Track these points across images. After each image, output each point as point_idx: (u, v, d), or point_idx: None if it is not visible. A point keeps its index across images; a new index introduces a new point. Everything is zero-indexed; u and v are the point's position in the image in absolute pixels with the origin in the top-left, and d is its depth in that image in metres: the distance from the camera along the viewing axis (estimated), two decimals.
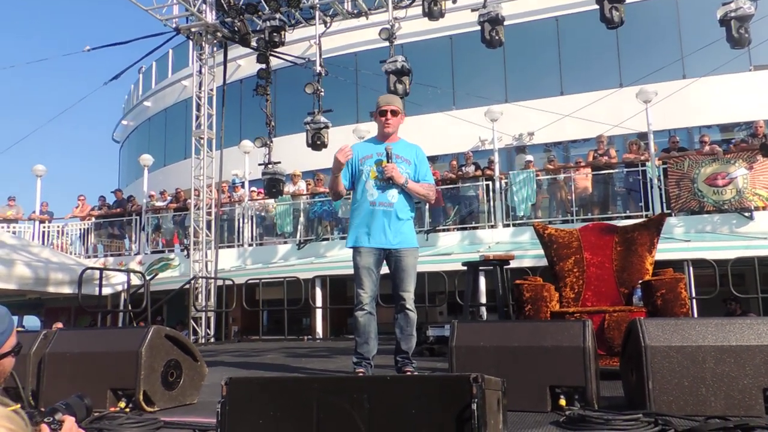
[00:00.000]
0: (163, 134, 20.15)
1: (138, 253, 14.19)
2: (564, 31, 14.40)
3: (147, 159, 15.12)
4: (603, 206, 11.64)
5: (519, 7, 13.26)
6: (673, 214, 10.45)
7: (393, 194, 3.93)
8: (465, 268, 5.18)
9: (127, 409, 2.93)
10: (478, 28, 9.75)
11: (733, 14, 8.20)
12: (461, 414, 1.76)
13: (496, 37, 9.70)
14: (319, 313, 11.42)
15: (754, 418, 2.41)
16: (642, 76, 12.30)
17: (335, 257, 12.22)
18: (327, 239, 12.98)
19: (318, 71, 11.04)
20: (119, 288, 10.47)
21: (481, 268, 5.20)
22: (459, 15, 11.58)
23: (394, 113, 4.05)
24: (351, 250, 3.99)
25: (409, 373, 3.92)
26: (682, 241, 9.68)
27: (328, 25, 12.06)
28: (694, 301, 9.17)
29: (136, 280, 10.03)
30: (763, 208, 9.97)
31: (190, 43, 12.09)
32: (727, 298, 9.43)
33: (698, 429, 2.19)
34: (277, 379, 2.11)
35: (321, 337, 10.84)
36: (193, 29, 11.27)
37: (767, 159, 9.90)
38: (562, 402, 2.76)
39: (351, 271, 11.13)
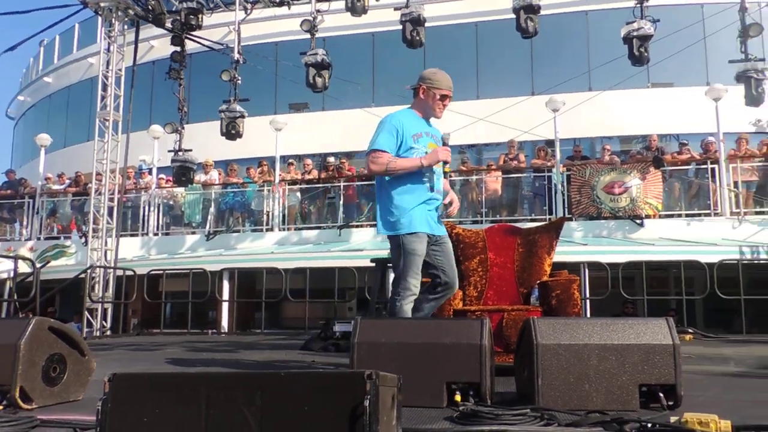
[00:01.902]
0: (65, 113, 18.92)
1: (29, 239, 13.24)
2: (482, 36, 14.81)
3: (45, 139, 14.15)
4: (511, 208, 12.09)
5: (441, 10, 13.52)
6: (573, 219, 11.01)
7: (442, 182, 3.78)
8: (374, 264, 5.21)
9: (1, 407, 2.71)
10: (400, 27, 9.86)
11: (635, 33, 8.74)
12: (354, 410, 1.76)
13: (417, 38, 9.85)
14: (225, 306, 11.13)
15: (629, 411, 2.58)
16: (552, 85, 12.87)
17: (246, 249, 11.97)
18: (238, 231, 12.68)
19: (236, 58, 10.76)
20: (4, 276, 9.73)
21: (389, 265, 5.24)
22: (382, 13, 11.62)
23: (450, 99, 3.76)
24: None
25: None
26: (580, 245, 10.23)
27: (249, 11, 11.78)
28: (588, 301, 9.73)
29: (26, 268, 9.36)
30: (653, 216, 10.70)
31: (99, 18, 11.40)
32: (626, 301, 10.07)
33: (579, 423, 2.31)
34: (164, 375, 2.02)
35: (226, 331, 10.57)
36: (102, 4, 10.64)
37: (658, 171, 10.66)
38: (458, 398, 2.83)
39: (261, 264, 10.89)
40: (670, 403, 2.67)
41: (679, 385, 2.68)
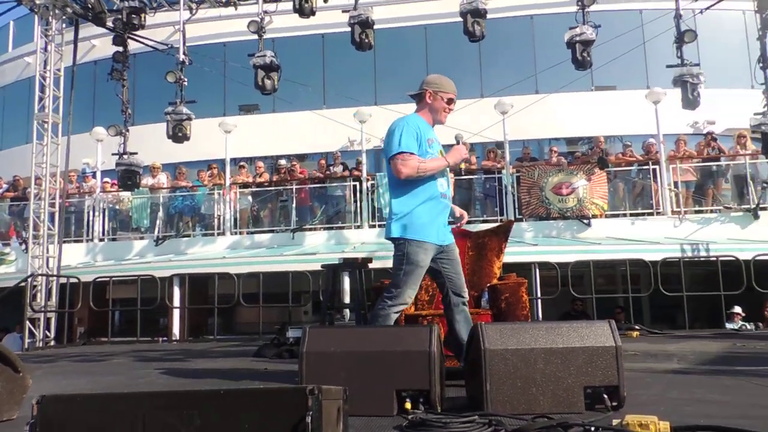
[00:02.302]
0: (0, 115, 18.09)
1: None
2: (432, 39, 14.93)
3: None
4: (463, 210, 12.20)
5: (390, 13, 13.56)
6: (523, 220, 11.21)
7: (451, 188, 3.73)
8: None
9: None
10: (350, 29, 9.82)
11: (577, 38, 8.96)
12: (296, 427, 1.73)
13: (366, 40, 9.83)
14: (176, 313, 10.85)
15: (575, 414, 2.62)
16: (500, 88, 13.08)
17: (197, 254, 11.71)
18: (188, 235, 12.39)
19: (181, 59, 10.50)
20: None
21: (340, 269, 5.21)
22: (331, 14, 11.55)
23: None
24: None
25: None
26: (531, 245, 10.43)
27: (194, 11, 11.51)
28: (539, 300, 9.93)
29: None
30: (600, 216, 11.00)
31: (36, 16, 10.95)
32: (575, 299, 10.31)
33: (525, 428, 2.33)
34: (97, 397, 1.93)
35: (178, 338, 10.31)
36: (38, 1, 10.22)
37: (603, 172, 10.97)
38: (408, 406, 2.81)
39: (213, 269, 10.65)
40: (614, 403, 2.73)
41: (622, 386, 2.74)
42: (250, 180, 12.84)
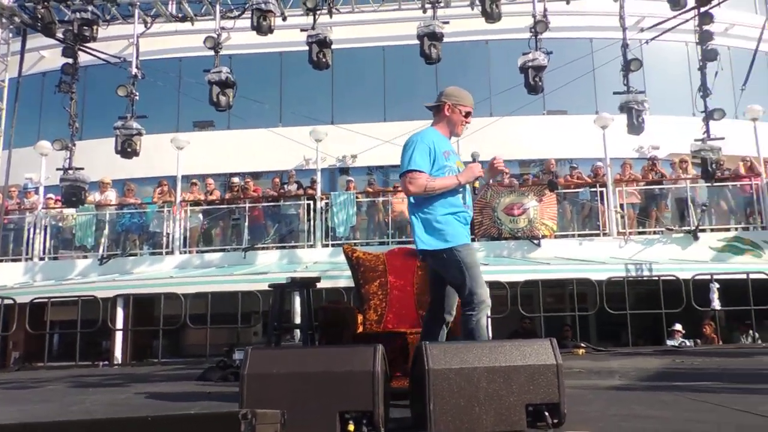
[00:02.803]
0: None
1: None
2: (389, 60, 15.09)
3: None
4: None
5: (348, 33, 13.63)
6: (476, 240, 11.34)
7: (471, 196, 3.69)
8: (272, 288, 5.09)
9: None
10: (307, 48, 9.85)
11: (530, 64, 9.22)
12: None
13: (324, 59, 9.87)
14: (119, 335, 10.46)
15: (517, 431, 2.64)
16: None
17: (143, 274, 11.38)
18: (135, 254, 12.04)
19: (134, 73, 10.32)
20: None
21: (288, 290, 5.14)
22: (289, 33, 11.55)
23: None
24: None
25: None
26: (482, 265, 10.51)
27: (149, 25, 11.36)
28: (489, 319, 9.99)
29: None
30: (549, 237, 11.23)
31: None
32: (523, 317, 10.44)
33: None
34: (15, 427, 1.83)
35: (120, 362, 9.93)
36: None
37: (553, 193, 11.23)
38: (351, 427, 2.77)
39: (159, 290, 10.35)
40: (555, 421, 2.75)
41: (563, 403, 2.77)
42: (202, 197, 12.62)
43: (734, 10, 14.20)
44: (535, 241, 11.14)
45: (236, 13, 10.74)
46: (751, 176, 11.25)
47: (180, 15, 11.18)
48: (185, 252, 11.98)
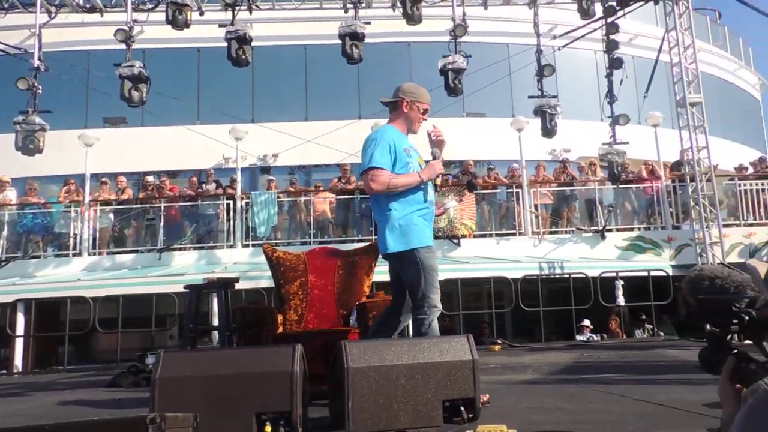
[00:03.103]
0: None
1: None
2: (311, 59, 14.97)
3: None
4: (340, 230, 12.27)
5: (269, 30, 13.41)
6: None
7: (434, 193, 3.66)
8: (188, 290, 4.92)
9: None
10: (226, 44, 9.61)
11: (450, 66, 9.42)
12: None
13: (243, 56, 9.67)
14: (19, 342, 9.76)
15: (433, 428, 2.68)
16: (378, 110, 13.32)
17: (47, 277, 10.71)
18: (38, 256, 11.30)
19: (36, 65, 9.69)
20: None
21: (204, 290, 4.99)
22: (207, 28, 11.25)
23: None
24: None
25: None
26: None
27: (53, 15, 10.72)
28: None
29: None
30: (468, 236, 11.51)
31: None
32: (443, 315, 10.61)
33: None
34: None
35: (20, 371, 9.28)
36: None
37: (472, 194, 11.52)
38: (268, 429, 2.73)
39: (65, 293, 9.76)
40: (471, 415, 2.82)
41: (478, 398, 2.85)
42: (113, 197, 12.01)
43: (638, 22, 15.12)
44: (455, 241, 11.38)
45: (150, 5, 10.31)
46: (653, 179, 12.01)
47: (88, 6, 10.60)
48: (94, 253, 11.37)
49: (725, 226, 11.07)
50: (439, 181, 3.61)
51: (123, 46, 9.48)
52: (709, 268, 1.08)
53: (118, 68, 9.22)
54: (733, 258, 11.12)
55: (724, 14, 21.17)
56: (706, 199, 10.55)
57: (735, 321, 1.55)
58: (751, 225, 11.69)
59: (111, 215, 11.73)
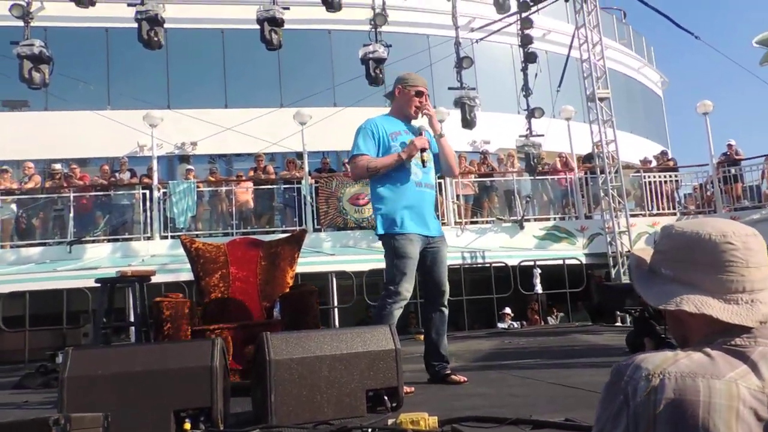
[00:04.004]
0: None
1: None
2: (229, 44, 14.54)
3: None
4: (262, 220, 12.04)
5: (184, 12, 12.91)
6: (322, 230, 11.39)
7: (433, 176, 3.64)
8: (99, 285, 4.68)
9: None
10: (137, 25, 9.13)
11: (370, 56, 9.41)
12: None
13: (156, 39, 9.22)
14: None
15: (357, 417, 2.68)
16: (299, 99, 13.19)
17: None
18: None
19: None
20: None
21: (118, 284, 4.76)
22: (116, 7, 10.67)
23: (427, 97, 3.69)
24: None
25: (461, 381, 3.44)
26: (329, 255, 10.62)
27: None
28: (336, 309, 10.16)
29: None
30: None
31: None
32: (369, 306, 10.68)
33: None
34: None
35: None
36: None
37: None
38: (187, 426, 2.64)
39: None
40: (394, 404, 2.85)
41: (401, 387, 2.88)
42: (15, 186, 11.22)
43: (551, 18, 15.71)
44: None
45: None
46: (566, 171, 12.56)
47: None
48: None
49: (632, 215, 11.75)
50: (426, 156, 3.58)
51: (21, 23, 8.82)
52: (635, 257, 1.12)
53: (16, 47, 8.57)
54: (641, 245, 11.85)
55: (629, 14, 22.39)
56: (614, 191, 11.13)
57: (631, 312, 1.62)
58: (656, 215, 12.48)
59: (13, 206, 10.96)
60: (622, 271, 10.78)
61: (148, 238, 11.03)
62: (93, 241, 11.00)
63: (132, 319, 8.32)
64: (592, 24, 11.41)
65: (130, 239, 11.12)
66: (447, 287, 3.66)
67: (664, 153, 14.51)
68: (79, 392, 2.65)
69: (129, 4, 9.01)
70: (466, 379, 3.57)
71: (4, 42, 9.72)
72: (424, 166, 3.58)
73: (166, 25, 9.32)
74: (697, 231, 0.98)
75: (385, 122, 3.68)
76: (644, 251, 1.07)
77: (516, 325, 10.51)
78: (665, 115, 22.45)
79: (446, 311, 3.68)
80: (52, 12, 11.49)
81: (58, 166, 11.78)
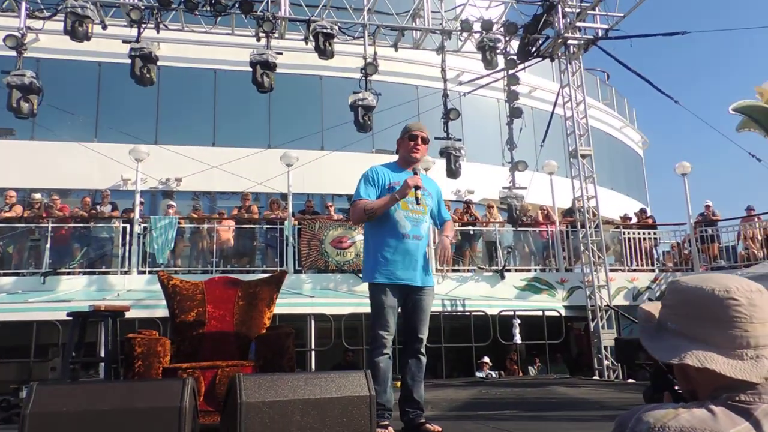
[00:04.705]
0: None
1: None
2: (221, 84, 14.72)
3: None
4: (243, 259, 11.95)
5: (177, 51, 13.10)
6: (303, 271, 11.32)
7: (424, 228, 3.68)
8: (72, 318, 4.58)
9: None
10: (130, 61, 9.25)
11: (360, 103, 9.58)
12: None
13: (148, 75, 9.35)
14: None
15: None
16: (287, 141, 13.31)
17: None
18: None
19: None
20: None
21: (90, 319, 4.66)
22: (110, 43, 10.80)
23: (425, 141, 3.80)
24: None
25: (435, 430, 3.46)
26: (308, 297, 10.53)
27: None
28: (313, 352, 10.01)
29: None
30: None
31: None
32: (346, 350, 10.56)
33: None
34: None
35: None
36: None
37: None
38: None
39: None
40: None
41: None
42: None
43: (536, 77, 16.18)
44: (361, 275, 11.38)
45: (47, 13, 9.75)
46: (548, 223, 12.70)
47: None
48: None
49: (611, 270, 11.86)
50: (419, 194, 3.63)
51: (13, 52, 8.89)
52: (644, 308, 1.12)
53: (7, 76, 8.62)
54: (619, 300, 11.92)
55: (612, 77, 23.13)
56: (594, 245, 11.26)
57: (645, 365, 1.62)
58: (634, 270, 12.61)
59: None
60: (600, 324, 10.79)
61: (126, 273, 10.87)
62: (68, 273, 10.80)
63: (102, 354, 8.15)
64: (576, 84, 11.76)
65: (107, 273, 10.94)
66: (424, 335, 3.67)
67: (643, 211, 14.77)
68: (42, 430, 2.56)
69: (124, 41, 9.13)
70: (440, 429, 3.53)
71: None
72: (417, 204, 3.63)
73: (159, 63, 9.45)
74: (702, 286, 0.98)
75: (386, 170, 3.78)
76: (653, 306, 1.08)
77: (494, 375, 10.41)
78: (645, 174, 22.97)
79: (423, 358, 3.69)
80: (47, 44, 11.60)
81: (38, 196, 11.67)
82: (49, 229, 10.84)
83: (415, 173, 3.70)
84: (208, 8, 9.59)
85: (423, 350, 3.69)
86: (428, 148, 3.91)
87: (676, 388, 1.11)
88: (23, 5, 9.34)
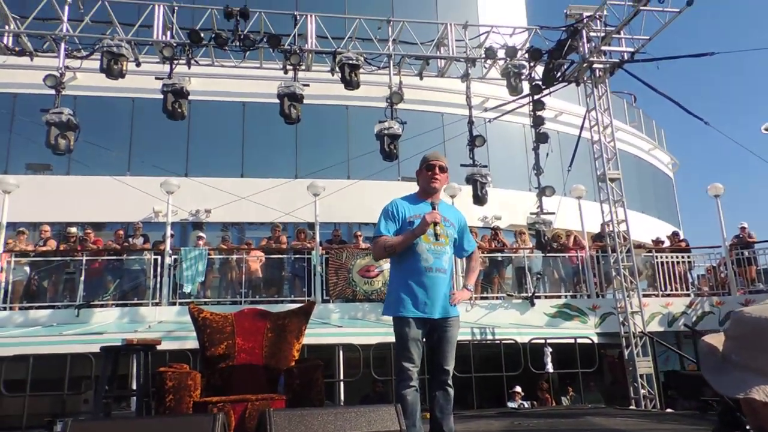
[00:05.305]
0: None
1: None
2: (250, 116, 15.02)
3: None
4: (272, 289, 12.01)
5: (207, 85, 13.43)
6: (331, 301, 11.32)
7: (446, 260, 3.67)
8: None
9: None
10: (162, 96, 9.52)
11: (386, 132, 9.66)
12: None
13: (179, 110, 9.60)
14: None
15: None
16: (314, 170, 13.46)
17: None
18: None
19: None
20: None
21: (122, 352, 4.72)
22: (143, 79, 11.13)
23: (443, 169, 3.82)
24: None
25: None
26: (336, 326, 10.50)
27: None
28: (342, 383, 9.93)
29: None
30: None
31: None
32: (375, 381, 10.46)
33: None
34: None
35: None
36: None
37: None
38: None
39: None
40: None
41: None
42: (30, 248, 11.34)
43: (562, 101, 16.13)
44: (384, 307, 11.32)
45: (84, 53, 10.13)
46: (577, 249, 12.51)
47: (17, 48, 10.29)
48: (5, 308, 10.61)
49: (645, 295, 11.58)
50: (438, 229, 3.64)
51: (52, 90, 9.22)
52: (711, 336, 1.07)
53: (45, 114, 8.93)
54: (654, 326, 11.62)
55: (639, 98, 22.93)
56: (626, 270, 11.03)
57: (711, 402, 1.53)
58: (669, 295, 12.30)
59: (27, 267, 11.04)
60: (635, 351, 10.51)
61: (156, 304, 11.00)
62: (101, 306, 10.97)
63: (135, 387, 8.21)
64: (603, 107, 11.68)
65: (139, 305, 11.09)
66: (451, 366, 3.66)
67: (675, 234, 14.46)
68: None
69: (156, 77, 9.40)
70: None
71: (32, 108, 10.15)
72: (437, 239, 3.63)
73: (190, 97, 9.70)
74: (765, 316, 0.93)
75: (406, 203, 3.81)
76: (715, 338, 1.03)
77: (526, 405, 10.18)
78: (676, 196, 22.56)
79: (451, 390, 3.67)
80: (83, 82, 12.01)
81: (73, 230, 11.95)
82: (83, 262, 11.07)
83: (434, 207, 3.70)
84: (238, 43, 9.84)
85: (450, 382, 3.67)
86: (448, 176, 3.91)
87: (747, 428, 1.05)
88: (62, 46, 9.71)
